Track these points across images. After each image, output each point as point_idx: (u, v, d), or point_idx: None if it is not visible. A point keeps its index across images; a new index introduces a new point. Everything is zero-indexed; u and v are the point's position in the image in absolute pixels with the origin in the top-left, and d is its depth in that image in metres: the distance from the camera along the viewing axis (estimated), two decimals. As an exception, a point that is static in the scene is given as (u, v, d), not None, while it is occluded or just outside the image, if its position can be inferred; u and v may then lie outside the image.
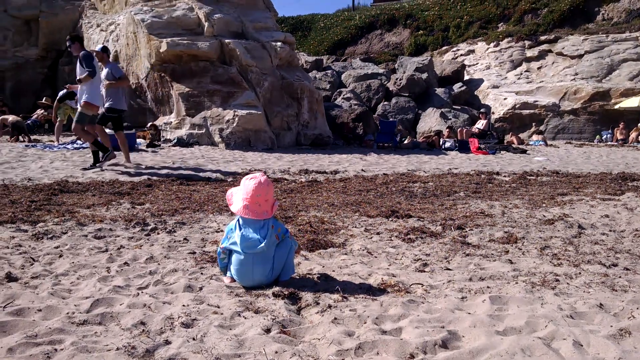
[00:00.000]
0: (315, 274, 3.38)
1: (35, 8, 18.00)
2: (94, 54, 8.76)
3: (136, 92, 14.54)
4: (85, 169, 8.29)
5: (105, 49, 9.16)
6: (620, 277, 3.35)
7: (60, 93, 12.68)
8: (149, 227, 4.58)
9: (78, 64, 8.47)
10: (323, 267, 3.54)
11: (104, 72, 8.86)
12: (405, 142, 15.22)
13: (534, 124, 20.60)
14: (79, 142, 12.49)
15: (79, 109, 8.45)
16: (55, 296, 2.90)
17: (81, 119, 8.41)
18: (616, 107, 19.70)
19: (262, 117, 12.80)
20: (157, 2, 14.92)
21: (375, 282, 3.22)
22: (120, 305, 2.79)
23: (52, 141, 12.71)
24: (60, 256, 3.71)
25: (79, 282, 3.19)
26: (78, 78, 8.41)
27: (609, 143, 18.74)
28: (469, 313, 2.72)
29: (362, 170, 9.39)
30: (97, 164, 8.46)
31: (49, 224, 4.61)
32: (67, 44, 8.81)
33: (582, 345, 2.32)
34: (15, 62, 17.94)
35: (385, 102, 20.02)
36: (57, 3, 18.29)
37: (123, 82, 9.09)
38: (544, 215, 5.37)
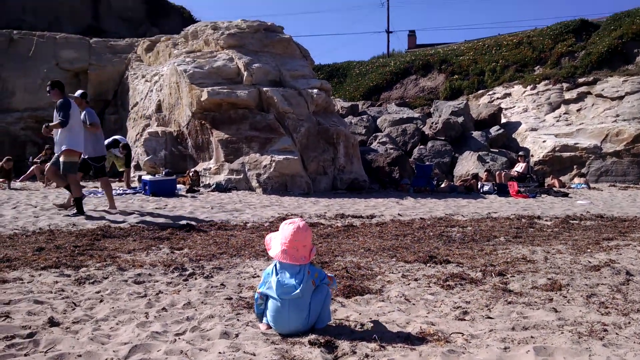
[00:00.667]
0: (352, 322, 3.33)
1: (84, 61, 19.00)
2: (73, 99, 8.54)
3: (177, 139, 14.99)
4: (68, 215, 8.19)
5: (84, 95, 9.11)
6: (674, 327, 3.17)
7: (105, 142, 13.19)
8: (187, 272, 4.63)
9: (55, 111, 8.23)
10: (360, 314, 3.49)
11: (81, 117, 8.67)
12: (442, 185, 15.07)
13: (575, 166, 20.13)
14: (127, 189, 12.87)
15: (61, 158, 8.21)
16: (95, 341, 2.94)
17: (68, 168, 8.21)
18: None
19: (298, 162, 12.95)
20: (199, 54, 15.53)
21: (413, 331, 3.14)
22: (158, 351, 2.81)
23: (96, 187, 13.13)
24: (101, 301, 3.77)
25: (118, 327, 3.23)
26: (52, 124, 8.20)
27: (656, 185, 18.08)
28: (512, 364, 2.62)
29: (399, 214, 9.32)
30: (78, 213, 8.22)
31: (91, 268, 4.72)
32: (47, 89, 8.53)
33: (635, 402, 2.19)
34: (64, 112, 18.83)
35: (421, 146, 19.98)
36: (105, 56, 19.27)
37: (92, 129, 8.84)
38: (589, 261, 5.18)
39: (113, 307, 3.61)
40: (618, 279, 4.43)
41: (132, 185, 13.83)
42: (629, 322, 3.27)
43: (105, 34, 25.72)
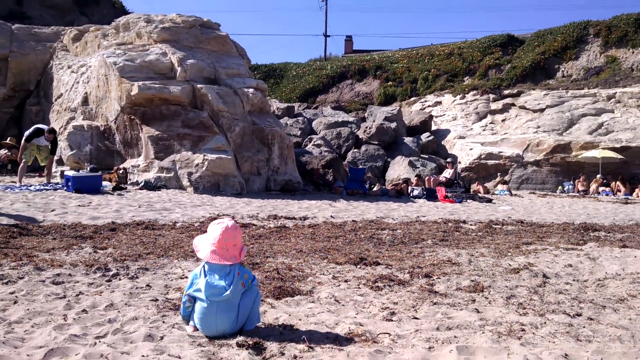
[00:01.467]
0: (281, 323, 3.31)
1: (5, 48, 17.84)
2: None
3: (104, 134, 14.39)
4: None
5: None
6: (584, 327, 3.38)
7: (27, 133, 12.47)
8: (111, 273, 4.44)
9: None
10: (289, 315, 3.47)
11: None
12: (375, 189, 15.35)
13: (499, 173, 21.11)
14: (47, 182, 12.23)
15: None
16: (7, 345, 2.76)
17: None
18: (579, 157, 20.41)
19: (232, 162, 12.78)
20: (131, 46, 15.00)
21: (342, 332, 3.16)
22: (76, 355, 2.67)
23: (13, 182, 12.37)
24: (15, 302, 3.55)
25: (34, 330, 3.05)
26: None
27: (571, 194, 19.28)
28: (436, 364, 2.69)
29: (331, 216, 9.39)
30: None
31: (5, 268, 4.43)
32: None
33: (548, 398, 2.31)
34: (-16, 100, 17.63)
35: (355, 150, 20.29)
36: (28, 44, 18.19)
37: None
38: (510, 264, 5.43)
39: (28, 309, 3.40)
40: (535, 281, 4.67)
41: (53, 180, 13.15)
42: (545, 322, 3.44)
43: (29, 20, 24.30)
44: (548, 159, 20.96)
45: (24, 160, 12.36)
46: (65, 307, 3.48)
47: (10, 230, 6.20)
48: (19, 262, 4.62)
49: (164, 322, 3.26)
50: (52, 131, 12.78)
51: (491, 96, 24.55)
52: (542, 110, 22.82)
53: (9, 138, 15.68)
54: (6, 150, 15.38)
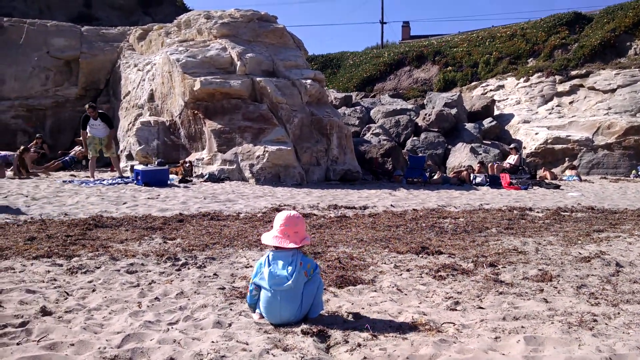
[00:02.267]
0: (344, 312, 3.35)
1: (76, 49, 18.81)
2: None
3: (170, 129, 14.92)
4: None
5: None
6: (662, 318, 3.22)
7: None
8: (180, 262, 4.63)
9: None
10: (352, 304, 3.51)
11: None
12: (435, 177, 15.11)
13: (567, 159, 20.24)
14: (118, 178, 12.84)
15: None
16: (88, 331, 2.94)
17: None
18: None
19: (291, 153, 12.93)
20: (192, 43, 15.42)
21: (405, 320, 3.16)
22: (151, 340, 2.81)
23: (88, 177, 13.07)
24: (94, 290, 3.77)
25: (111, 316, 3.23)
26: None
27: (646, 178, 18.23)
28: (503, 354, 2.65)
29: (391, 205, 9.34)
30: None
31: (84, 258, 4.71)
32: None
33: (623, 390, 2.22)
34: (55, 100, 18.65)
35: (415, 138, 20.01)
36: (97, 44, 19.08)
37: None
38: (580, 253, 5.23)
39: (106, 297, 3.61)
40: (608, 270, 4.47)
41: (125, 174, 13.78)
42: (618, 313, 3.31)
43: (96, 22, 25.50)
44: (620, 142, 19.88)
45: (90, 155, 13.01)
46: (139, 295, 3.66)
47: (87, 222, 6.57)
48: (96, 253, 4.90)
49: (231, 309, 3.37)
50: (91, 106, 13.01)
51: (557, 78, 23.50)
52: (613, 90, 21.64)
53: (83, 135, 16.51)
54: (80, 147, 16.24)
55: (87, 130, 12.95)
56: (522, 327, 3.05)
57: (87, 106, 13.06)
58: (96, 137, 12.95)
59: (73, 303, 3.45)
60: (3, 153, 14.52)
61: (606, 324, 3.11)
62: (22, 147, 13.59)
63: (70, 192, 9.89)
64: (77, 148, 16.21)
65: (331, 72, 31.38)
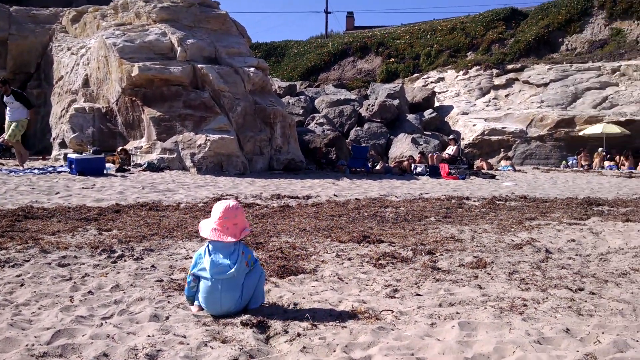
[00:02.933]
0: (285, 302, 3.34)
1: (4, 30, 17.73)
2: None
3: (106, 116, 14.37)
4: None
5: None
6: (586, 301, 3.40)
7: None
8: (116, 254, 4.47)
9: None
10: (293, 294, 3.51)
11: None
12: (378, 167, 15.34)
13: (502, 149, 21.05)
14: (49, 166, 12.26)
15: None
16: (15, 327, 2.80)
17: None
18: (580, 133, 20.30)
19: (234, 142, 12.76)
20: (130, 27, 14.87)
21: (345, 309, 3.19)
22: (83, 336, 2.71)
23: (17, 165, 12.41)
24: (22, 285, 3.59)
25: (41, 312, 3.08)
26: None
27: (575, 168, 19.24)
28: (439, 339, 2.72)
29: (335, 195, 9.41)
30: None
31: (11, 251, 4.47)
32: None
33: (549, 371, 2.33)
34: (-19, 84, 17.57)
35: (358, 128, 20.23)
36: (27, 26, 18.06)
37: None
38: (513, 240, 5.45)
39: (35, 291, 3.44)
40: (538, 257, 4.68)
41: (57, 163, 13.17)
42: (547, 297, 3.47)
43: (27, 2, 24.07)
44: (552, 134, 20.86)
45: (6, 140, 12.41)
46: (72, 289, 3.52)
47: (16, 213, 6.24)
48: (25, 245, 4.66)
49: (169, 302, 3.30)
50: (3, 82, 12.24)
51: (494, 71, 24.35)
52: (546, 84, 22.64)
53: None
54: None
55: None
56: (457, 312, 3.14)
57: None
58: (12, 120, 12.09)
59: (-1, 299, 3.27)
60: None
61: (535, 308, 3.25)
62: None
63: (-3, 181, 9.36)
64: (6, 135, 15.35)
65: (275, 60, 31.17)
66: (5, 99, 12.10)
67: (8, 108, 12.15)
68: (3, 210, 6.47)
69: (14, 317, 2.97)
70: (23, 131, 12.37)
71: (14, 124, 12.07)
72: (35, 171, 11.24)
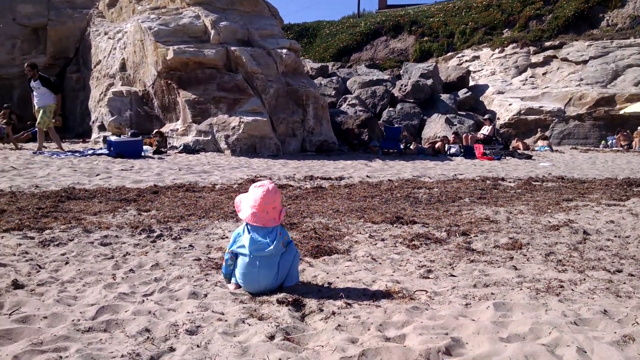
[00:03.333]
0: (319, 281, 3.39)
1: (43, 17, 18.16)
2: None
3: (143, 100, 14.63)
4: None
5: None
6: (624, 283, 3.34)
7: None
8: (155, 234, 4.60)
9: None
10: (327, 273, 3.55)
11: None
12: (411, 148, 15.22)
13: (539, 129, 20.56)
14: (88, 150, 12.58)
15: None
16: (61, 303, 2.92)
17: None
18: (621, 112, 19.65)
19: (267, 124, 12.84)
20: (164, 10, 15.03)
21: (379, 289, 3.22)
22: (125, 312, 2.81)
23: (58, 148, 12.79)
24: (67, 263, 3.73)
25: (85, 289, 3.21)
26: None
27: (614, 148, 18.67)
28: (473, 320, 2.72)
29: (367, 176, 9.40)
30: None
31: (56, 231, 4.64)
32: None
33: (585, 352, 2.32)
34: (23, 70, 18.02)
35: (391, 108, 20.04)
36: (65, 11, 18.44)
37: None
38: (549, 221, 5.36)
39: (79, 269, 3.58)
40: (576, 238, 4.61)
41: (96, 145, 13.53)
42: (584, 279, 3.42)
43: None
44: (591, 113, 20.25)
45: (38, 128, 12.49)
46: (114, 267, 3.64)
47: (59, 194, 6.46)
48: (68, 225, 4.84)
49: (207, 280, 3.39)
50: (30, 65, 12.45)
51: (532, 49, 23.68)
52: (585, 62, 21.93)
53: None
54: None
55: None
56: (492, 293, 3.13)
57: (25, 65, 12.37)
58: (39, 107, 12.26)
59: (46, 276, 3.41)
60: None
61: (572, 289, 3.21)
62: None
63: (40, 163, 9.69)
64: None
65: (307, 41, 31.02)
66: (32, 83, 12.31)
67: (35, 93, 12.35)
68: (47, 192, 6.71)
69: (60, 293, 3.10)
70: (52, 117, 12.64)
71: (41, 111, 12.26)
72: (77, 154, 11.57)
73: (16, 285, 3.20)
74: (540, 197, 7.19)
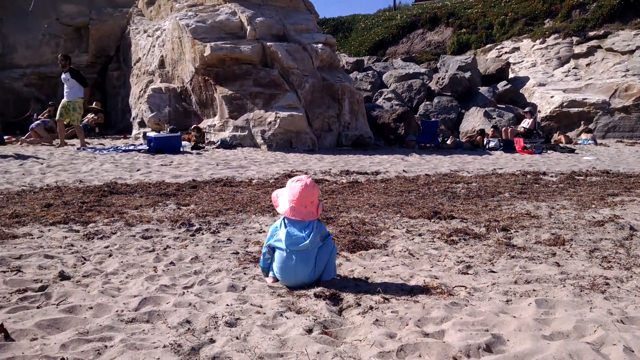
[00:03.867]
0: (356, 275, 3.38)
1: (85, 16, 18.65)
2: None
3: (181, 96, 14.88)
4: None
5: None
6: (675, 281, 3.21)
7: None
8: (194, 228, 4.68)
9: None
10: (364, 268, 3.54)
11: None
12: (448, 142, 15.00)
13: (582, 122, 19.92)
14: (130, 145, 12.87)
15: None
16: (105, 294, 3.01)
17: None
18: (671, 103, 18.86)
19: (303, 119, 12.88)
20: (201, 7, 15.22)
21: (417, 284, 3.19)
22: (167, 304, 2.87)
23: (101, 144, 13.13)
24: (110, 256, 3.84)
25: (128, 281, 3.30)
26: None
27: (664, 141, 17.94)
28: (514, 317, 2.67)
29: (404, 170, 9.32)
30: None
31: (99, 224, 4.78)
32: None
33: (633, 351, 2.24)
34: (67, 68, 18.62)
35: (427, 102, 19.79)
36: (106, 10, 18.90)
37: None
38: (594, 217, 5.20)
39: (122, 262, 3.67)
40: (622, 234, 4.45)
41: (137, 141, 13.85)
42: (631, 276, 3.30)
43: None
44: (638, 105, 19.49)
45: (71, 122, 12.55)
46: (155, 260, 3.73)
47: (102, 189, 6.64)
48: (111, 219, 4.97)
49: (245, 273, 3.43)
50: (65, 57, 12.55)
51: (574, 39, 22.92)
52: (631, 51, 21.09)
53: (94, 103, 16.54)
54: (93, 115, 16.31)
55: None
56: (534, 290, 3.06)
57: (59, 55, 12.54)
58: (68, 100, 12.24)
59: (90, 268, 3.52)
60: (42, 119, 14.61)
61: (618, 287, 3.11)
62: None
63: (84, 159, 9.98)
64: (90, 115, 16.27)
65: (342, 36, 30.89)
66: (62, 75, 12.45)
67: (65, 86, 12.38)
68: (90, 186, 6.91)
69: (104, 285, 3.19)
70: (82, 112, 12.74)
71: (71, 107, 12.24)
72: (119, 149, 11.86)
73: (63, 276, 3.31)
74: (584, 192, 6.98)
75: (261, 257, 3.30)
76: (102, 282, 3.25)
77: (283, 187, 3.29)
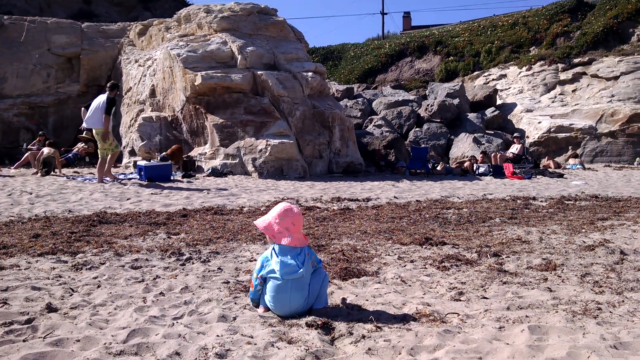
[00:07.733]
0: (348, 304, 3.35)
1: (77, 46, 18.78)
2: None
3: (172, 124, 14.92)
4: None
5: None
6: (666, 305, 3.21)
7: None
8: (184, 257, 4.64)
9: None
10: (356, 296, 3.51)
11: None
12: (438, 168, 15.09)
13: (570, 147, 20.17)
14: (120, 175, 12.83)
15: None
16: (93, 326, 2.96)
17: None
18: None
19: (294, 146, 12.93)
20: (192, 37, 15.39)
21: (409, 312, 3.17)
22: (156, 335, 2.82)
23: (92, 173, 13.07)
24: (99, 286, 3.78)
25: (116, 312, 3.24)
26: None
27: (651, 165, 18.16)
28: (507, 343, 2.65)
29: (395, 197, 9.34)
30: None
31: (88, 254, 4.72)
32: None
33: (627, 378, 2.23)
34: (57, 97, 18.63)
35: (417, 129, 19.97)
36: (98, 41, 19.04)
37: None
38: (584, 241, 5.22)
39: (111, 293, 3.62)
40: (612, 259, 4.47)
41: (127, 170, 13.79)
42: (623, 301, 3.30)
43: (97, 18, 25.43)
44: (624, 130, 19.80)
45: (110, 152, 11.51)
46: (144, 290, 3.68)
47: (91, 218, 6.58)
48: (100, 249, 4.92)
49: (235, 303, 3.39)
50: (113, 86, 11.63)
51: (560, 66, 23.38)
52: (616, 77, 21.52)
53: (84, 132, 16.50)
54: (83, 144, 16.25)
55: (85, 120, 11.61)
56: (527, 316, 3.05)
57: (109, 84, 11.57)
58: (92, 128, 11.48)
59: (78, 299, 3.47)
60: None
61: (610, 312, 3.11)
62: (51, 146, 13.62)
63: (73, 189, 9.91)
64: (80, 145, 16.22)
65: (332, 64, 31.28)
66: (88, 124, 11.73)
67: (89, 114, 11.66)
68: (79, 216, 6.85)
69: (92, 316, 3.14)
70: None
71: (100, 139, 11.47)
72: (108, 178, 11.79)
73: (50, 308, 3.25)
74: (574, 216, 7.02)
75: (252, 289, 3.27)
76: (90, 313, 3.20)
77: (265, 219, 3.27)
